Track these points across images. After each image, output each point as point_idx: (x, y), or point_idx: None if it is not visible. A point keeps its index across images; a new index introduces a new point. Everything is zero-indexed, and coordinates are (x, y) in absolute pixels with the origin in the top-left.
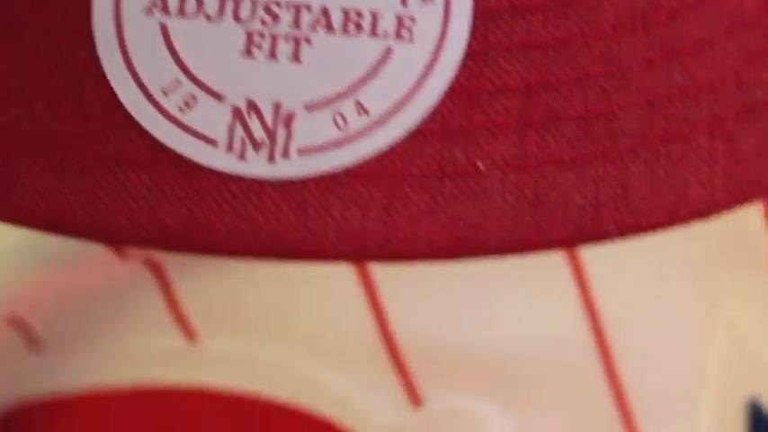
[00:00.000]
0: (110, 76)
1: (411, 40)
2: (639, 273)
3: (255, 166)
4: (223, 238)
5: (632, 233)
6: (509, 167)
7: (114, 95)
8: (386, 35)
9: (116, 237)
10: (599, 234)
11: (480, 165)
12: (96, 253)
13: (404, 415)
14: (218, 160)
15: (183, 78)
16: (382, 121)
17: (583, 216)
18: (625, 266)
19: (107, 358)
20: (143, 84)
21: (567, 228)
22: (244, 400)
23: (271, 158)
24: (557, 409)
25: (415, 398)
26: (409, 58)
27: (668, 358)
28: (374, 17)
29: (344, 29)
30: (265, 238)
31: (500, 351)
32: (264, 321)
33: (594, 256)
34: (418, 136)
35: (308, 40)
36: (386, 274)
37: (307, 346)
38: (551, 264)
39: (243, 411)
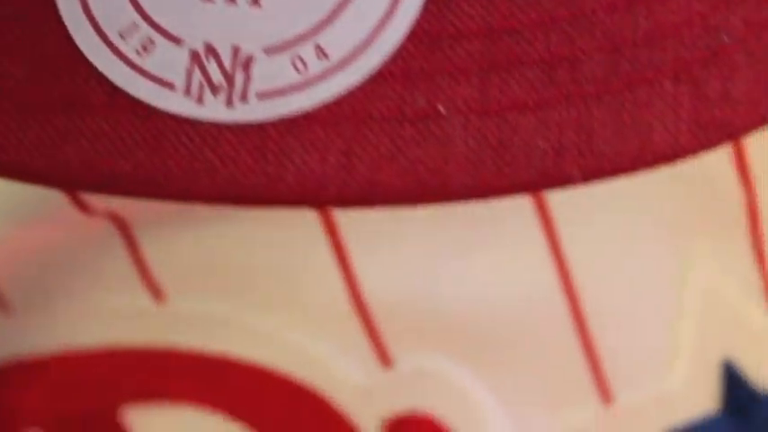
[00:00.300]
0: (66, 20)
1: None
2: (613, 233)
3: (213, 110)
4: (180, 182)
5: (596, 177)
6: (471, 112)
7: (71, 39)
8: None
9: (71, 181)
10: (562, 178)
11: (442, 109)
12: (60, 208)
13: (373, 376)
14: (175, 104)
15: (141, 22)
16: (342, 64)
17: (545, 160)
18: (598, 227)
19: (75, 318)
20: (100, 28)
21: (530, 172)
22: (211, 361)
23: (229, 102)
24: (528, 370)
25: (384, 358)
26: (370, 0)
27: (642, 319)
28: None
29: None
30: (223, 183)
31: (471, 312)
32: (232, 281)
33: (567, 216)
34: (379, 79)
35: None
36: (355, 234)
37: (274, 306)
38: (523, 224)
39: (210, 372)
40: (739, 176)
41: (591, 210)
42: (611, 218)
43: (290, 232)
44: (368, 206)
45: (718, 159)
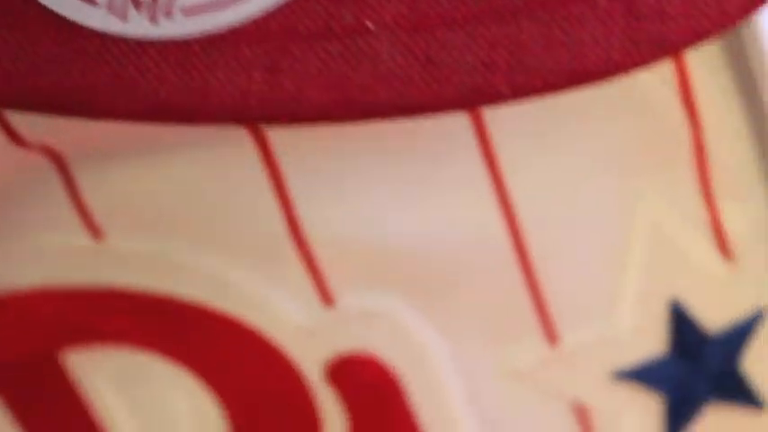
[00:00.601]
0: None
1: None
2: (558, 172)
3: (137, 26)
4: (102, 99)
5: (526, 94)
6: (399, 28)
7: None
8: None
9: None
10: (491, 95)
11: (370, 25)
12: None
13: (315, 314)
14: (98, 20)
15: None
16: None
17: (475, 76)
18: (543, 166)
19: (13, 259)
20: None
21: (459, 88)
22: (152, 300)
23: (153, 18)
24: (473, 310)
25: (326, 297)
26: None
27: (587, 258)
28: None
29: None
30: (146, 99)
31: (414, 251)
32: (171, 219)
33: (512, 156)
34: None
35: None
36: (296, 171)
37: (214, 244)
38: (467, 164)
39: (151, 311)
40: (685, 111)
41: (536, 149)
42: (556, 157)
43: (230, 169)
44: (295, 122)
45: (663, 93)
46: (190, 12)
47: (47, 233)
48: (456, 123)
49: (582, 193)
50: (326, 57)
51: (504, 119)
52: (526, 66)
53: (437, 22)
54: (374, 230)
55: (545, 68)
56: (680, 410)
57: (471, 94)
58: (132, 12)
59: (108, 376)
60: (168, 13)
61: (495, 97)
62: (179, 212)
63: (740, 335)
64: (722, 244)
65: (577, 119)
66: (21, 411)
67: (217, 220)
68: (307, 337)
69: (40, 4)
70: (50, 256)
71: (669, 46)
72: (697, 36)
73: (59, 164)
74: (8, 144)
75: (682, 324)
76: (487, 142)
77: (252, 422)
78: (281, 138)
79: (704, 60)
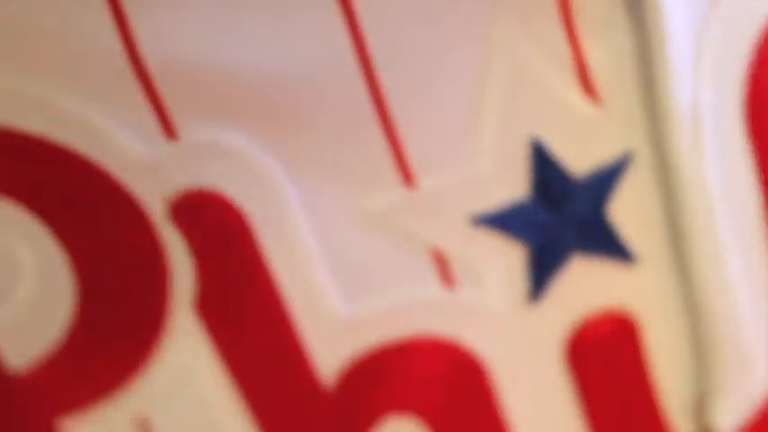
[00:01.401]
0: None
1: None
2: (411, 4)
3: None
4: None
5: None
6: None
7: None
8: None
9: None
10: None
11: None
12: None
13: (157, 148)
14: None
15: None
16: None
17: None
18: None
19: None
20: None
21: None
22: None
23: None
24: (326, 150)
25: (169, 130)
26: None
27: (444, 98)
28: None
29: None
30: None
31: (261, 83)
32: (9, 49)
33: None
34: None
35: None
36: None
37: (51, 72)
38: None
39: None
40: None
41: None
42: None
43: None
44: None
45: None
46: None
47: None
48: None
49: (437, 27)
50: None
51: None
52: None
53: None
54: (219, 59)
55: None
56: (544, 259)
57: None
58: None
59: None
60: None
61: None
62: (14, 39)
63: (606, 179)
64: (587, 83)
65: None
66: None
67: (53, 47)
68: (149, 173)
69: None
70: None
71: None
72: None
73: None
74: None
75: (545, 167)
76: None
77: (96, 265)
78: None
79: None
